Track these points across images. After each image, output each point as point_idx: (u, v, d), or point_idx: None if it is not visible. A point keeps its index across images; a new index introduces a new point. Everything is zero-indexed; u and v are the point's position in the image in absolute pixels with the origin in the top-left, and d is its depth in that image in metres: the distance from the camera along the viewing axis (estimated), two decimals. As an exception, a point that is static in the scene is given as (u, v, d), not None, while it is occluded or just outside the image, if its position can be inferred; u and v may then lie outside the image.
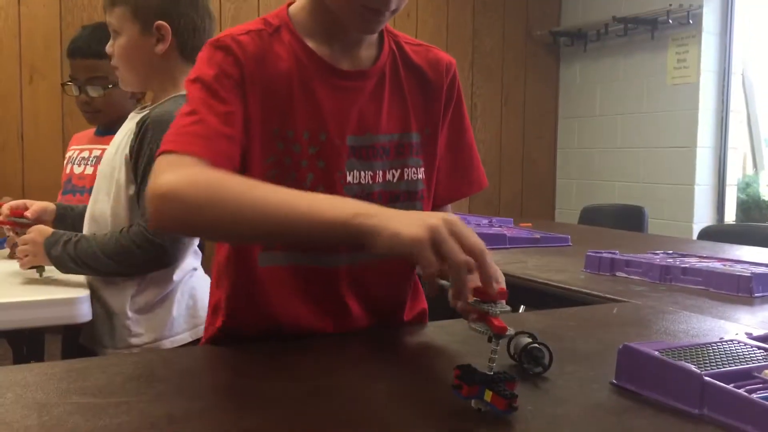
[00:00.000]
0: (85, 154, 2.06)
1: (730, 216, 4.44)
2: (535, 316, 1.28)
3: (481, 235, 2.24)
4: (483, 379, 0.73)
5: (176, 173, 0.89)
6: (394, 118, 1.10)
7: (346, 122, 1.06)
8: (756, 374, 0.80)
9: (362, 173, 1.07)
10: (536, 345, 0.90)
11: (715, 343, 0.90)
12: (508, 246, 2.22)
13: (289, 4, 1.11)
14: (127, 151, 1.48)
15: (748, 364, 0.82)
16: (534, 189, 5.32)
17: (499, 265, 1.84)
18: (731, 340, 0.91)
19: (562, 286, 1.57)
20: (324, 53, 1.06)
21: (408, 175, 1.11)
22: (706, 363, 0.82)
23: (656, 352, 0.83)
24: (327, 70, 1.06)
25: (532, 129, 5.27)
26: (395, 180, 1.10)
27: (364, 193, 1.06)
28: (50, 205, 1.71)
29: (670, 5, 4.21)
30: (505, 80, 5.16)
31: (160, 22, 1.51)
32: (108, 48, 1.58)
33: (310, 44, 1.06)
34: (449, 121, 1.18)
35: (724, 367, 0.80)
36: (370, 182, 1.08)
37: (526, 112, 5.26)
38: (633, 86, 4.67)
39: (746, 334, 0.97)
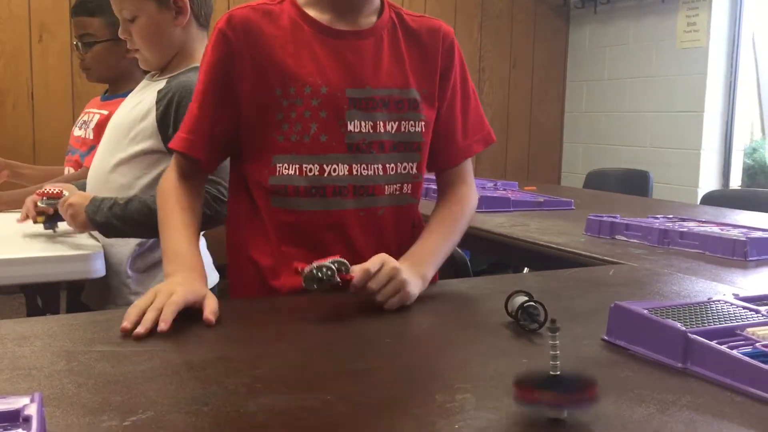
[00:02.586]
0: (86, 117, 2.09)
1: (736, 181, 4.45)
2: (534, 277, 1.32)
3: (486, 198, 2.28)
4: (554, 383, 0.65)
5: (163, 179, 1.20)
6: (392, 75, 1.19)
7: (345, 76, 1.16)
8: (739, 332, 0.85)
9: (363, 123, 1.16)
10: (532, 303, 0.94)
11: (702, 303, 0.95)
12: (511, 209, 2.26)
13: None
14: (154, 121, 1.50)
15: (732, 322, 0.87)
16: (541, 152, 5.34)
17: (502, 227, 1.89)
18: (718, 301, 0.96)
19: (562, 248, 1.61)
20: (323, 19, 1.18)
21: (405, 128, 1.20)
22: (693, 321, 0.86)
23: (645, 311, 0.87)
24: (325, 32, 1.17)
25: (540, 92, 5.27)
26: (395, 131, 1.19)
27: (365, 142, 1.17)
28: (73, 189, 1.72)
29: (682, -32, 4.17)
30: (513, 43, 5.14)
31: None
32: (121, 34, 1.59)
33: (311, 12, 1.18)
34: (455, 86, 1.26)
35: (709, 326, 0.85)
36: (371, 131, 1.17)
37: (534, 76, 5.25)
38: (642, 50, 4.65)
39: (734, 295, 1.01)
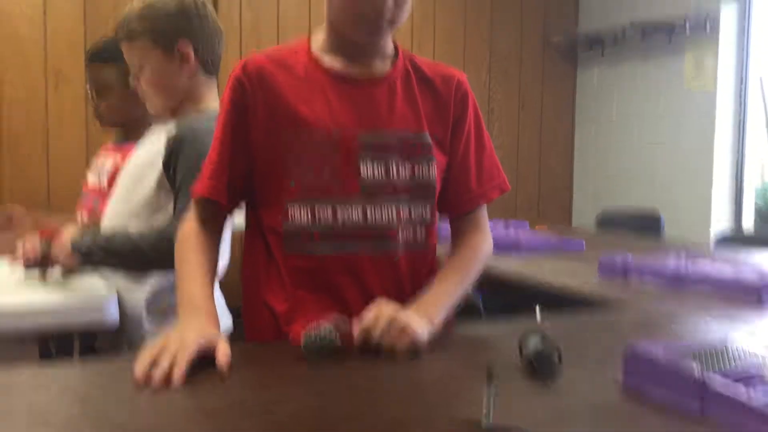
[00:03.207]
0: (100, 161, 2.12)
1: (748, 222, 4.44)
2: (548, 320, 1.32)
3: (497, 238, 2.28)
4: None
5: (182, 226, 1.21)
6: (405, 118, 1.20)
7: (358, 121, 1.17)
8: (757, 377, 0.84)
9: (375, 166, 1.17)
10: (547, 345, 0.94)
11: (719, 345, 0.94)
12: (523, 251, 2.26)
13: (312, 34, 1.25)
14: (160, 166, 1.53)
15: (750, 367, 0.86)
16: (551, 193, 5.34)
17: (514, 268, 1.89)
18: (735, 344, 0.95)
19: (576, 290, 1.61)
20: (337, 66, 1.20)
21: (418, 172, 1.20)
22: (710, 365, 0.86)
23: (660, 353, 0.87)
24: (338, 78, 1.19)
25: (549, 133, 5.30)
26: (408, 175, 1.19)
27: (378, 186, 1.17)
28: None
29: (687, 12, 4.22)
30: (522, 84, 5.19)
31: (181, 42, 1.57)
32: (132, 82, 1.64)
33: (325, 60, 1.20)
34: (469, 134, 1.27)
35: (726, 369, 0.84)
36: (384, 175, 1.17)
37: (543, 116, 5.28)
38: (650, 91, 4.68)
39: (751, 337, 1.01)
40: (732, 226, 4.33)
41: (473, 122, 1.28)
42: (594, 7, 5.11)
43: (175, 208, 1.52)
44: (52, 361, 1.78)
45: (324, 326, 0.98)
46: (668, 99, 4.55)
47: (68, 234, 1.58)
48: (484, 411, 0.66)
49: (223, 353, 0.95)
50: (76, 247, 1.52)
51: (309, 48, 1.22)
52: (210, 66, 1.63)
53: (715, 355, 0.90)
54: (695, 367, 0.82)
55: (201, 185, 1.20)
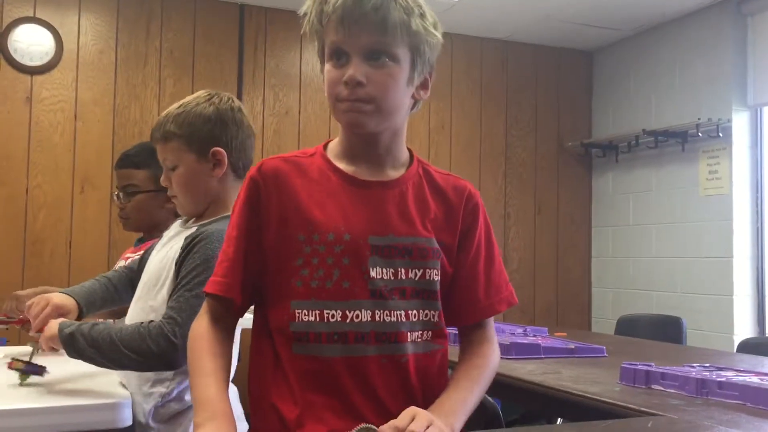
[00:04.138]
0: (121, 262, 2.16)
1: (772, 327, 4.35)
2: (570, 428, 1.28)
3: (516, 345, 2.26)
4: None
5: (194, 325, 1.21)
6: (415, 224, 1.21)
7: (369, 224, 1.18)
8: (789, 491, 0.81)
9: (384, 270, 1.17)
10: (569, 457, 0.91)
11: (748, 458, 0.91)
12: (542, 356, 2.23)
13: (329, 141, 1.28)
14: (174, 263, 1.55)
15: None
16: (569, 298, 5.30)
17: (534, 375, 1.85)
18: (764, 456, 0.92)
19: (597, 398, 1.57)
20: (348, 169, 1.22)
21: (429, 276, 1.20)
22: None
23: (688, 467, 0.84)
24: (352, 182, 1.21)
25: (566, 237, 5.31)
26: (417, 278, 1.19)
27: (387, 288, 1.17)
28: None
29: (699, 119, 4.31)
30: (537, 190, 5.25)
31: (216, 148, 1.61)
32: (162, 182, 1.67)
33: (340, 165, 1.23)
34: (479, 246, 1.27)
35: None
36: (392, 278, 1.17)
37: (560, 221, 5.31)
38: (665, 197, 4.72)
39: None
40: (756, 332, 4.25)
41: (483, 234, 1.29)
42: (607, 115, 5.23)
43: (168, 301, 1.51)
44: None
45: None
46: (684, 204, 4.58)
47: (56, 322, 1.56)
48: None
49: None
50: (61, 328, 1.50)
51: (324, 152, 1.25)
52: (241, 170, 1.66)
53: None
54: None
55: (214, 283, 1.20)
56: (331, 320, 1.14)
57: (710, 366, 1.86)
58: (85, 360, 1.51)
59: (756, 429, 1.29)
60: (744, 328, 4.25)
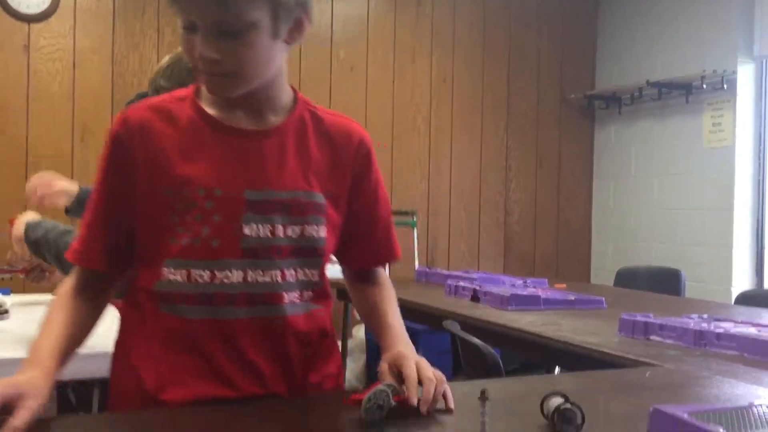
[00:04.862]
0: None
1: (770, 280, 4.38)
2: (569, 378, 1.30)
3: (516, 296, 2.27)
4: None
5: (65, 281, 1.14)
6: (296, 177, 1.13)
7: (244, 178, 1.10)
8: (784, 439, 0.82)
9: (260, 227, 1.10)
10: (568, 405, 0.93)
11: (745, 407, 0.92)
12: (542, 307, 2.25)
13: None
14: None
15: (777, 429, 0.84)
16: (569, 250, 5.32)
17: (533, 325, 1.87)
18: (762, 405, 0.93)
19: (596, 348, 1.59)
20: (222, 116, 1.12)
21: (309, 233, 1.13)
22: (736, 427, 0.84)
23: (686, 415, 0.85)
24: (225, 131, 1.12)
25: (567, 190, 5.30)
26: (296, 236, 1.12)
27: (262, 247, 1.10)
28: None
29: (704, 70, 4.26)
30: (539, 142, 5.22)
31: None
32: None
33: (211, 110, 1.12)
34: (363, 194, 1.22)
35: (752, 431, 0.83)
36: (269, 236, 1.10)
37: (561, 174, 5.30)
38: (668, 149, 4.70)
39: (777, 399, 0.99)
40: (754, 284, 4.28)
41: (376, 182, 1.23)
42: (611, 66, 5.17)
43: None
44: (72, 411, 1.78)
45: (380, 389, 0.97)
46: (687, 156, 4.56)
47: (21, 223, 1.62)
48: (480, 428, 0.75)
49: (20, 416, 0.88)
50: (27, 235, 1.56)
51: (196, 98, 1.14)
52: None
53: (741, 417, 0.88)
54: (721, 428, 0.81)
55: (73, 252, 1.13)
56: (199, 281, 1.08)
57: (708, 317, 1.88)
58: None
59: (753, 379, 1.31)
60: (742, 281, 4.27)
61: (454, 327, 1.82)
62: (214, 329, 1.08)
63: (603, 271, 5.15)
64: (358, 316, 4.35)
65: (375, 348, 4.18)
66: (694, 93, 4.42)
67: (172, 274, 1.08)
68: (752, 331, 1.65)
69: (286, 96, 1.16)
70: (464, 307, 2.27)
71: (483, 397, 0.75)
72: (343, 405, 1.01)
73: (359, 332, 4.36)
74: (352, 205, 1.20)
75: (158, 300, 1.10)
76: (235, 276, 1.08)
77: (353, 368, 4.11)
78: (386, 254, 1.27)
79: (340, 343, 4.34)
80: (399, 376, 1.05)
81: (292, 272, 1.13)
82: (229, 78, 1.06)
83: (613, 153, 5.17)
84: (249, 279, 1.09)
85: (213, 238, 1.08)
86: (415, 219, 4.60)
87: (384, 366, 1.09)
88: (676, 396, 1.15)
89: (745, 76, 4.26)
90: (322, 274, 1.17)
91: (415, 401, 0.99)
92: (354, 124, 1.22)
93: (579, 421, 0.92)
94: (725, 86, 4.23)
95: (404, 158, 4.80)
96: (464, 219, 5.03)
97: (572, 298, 2.34)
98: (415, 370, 1.03)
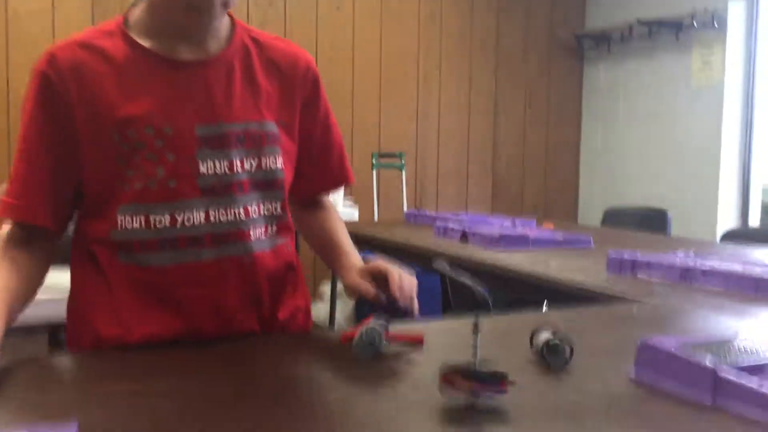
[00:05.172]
0: None
1: (755, 220, 4.43)
2: (557, 314, 1.32)
3: (504, 236, 2.28)
4: (472, 373, 0.76)
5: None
6: (247, 107, 1.09)
7: (193, 113, 1.04)
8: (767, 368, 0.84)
9: (217, 163, 1.05)
10: (557, 340, 0.94)
11: (731, 339, 0.94)
12: (531, 247, 2.26)
13: (127, 13, 1.10)
14: None
15: (762, 359, 0.86)
16: (557, 191, 5.34)
17: (522, 265, 1.89)
18: (747, 338, 0.95)
19: (583, 286, 1.61)
20: (161, 49, 1.05)
21: (266, 164, 1.10)
22: (721, 358, 0.86)
23: (673, 347, 0.87)
24: (164, 64, 1.05)
25: (556, 131, 5.29)
26: (254, 169, 1.09)
27: (222, 184, 1.05)
28: None
29: (695, 8, 4.21)
30: (528, 82, 5.19)
31: None
32: None
33: (147, 43, 1.05)
34: (312, 118, 1.19)
35: (738, 362, 0.84)
36: (227, 172, 1.06)
37: (550, 114, 5.28)
38: (657, 88, 4.68)
39: (760, 330, 1.01)
40: (738, 224, 4.33)
41: (326, 108, 1.21)
42: (600, 5, 5.10)
43: None
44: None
45: (371, 326, 0.98)
46: (675, 96, 4.54)
47: None
48: (472, 356, 0.78)
49: None
50: None
51: (125, 29, 1.06)
52: None
53: (725, 348, 0.90)
54: (707, 359, 0.82)
55: (7, 206, 1.03)
56: (159, 225, 1.03)
57: (694, 255, 1.90)
58: None
59: (737, 313, 1.34)
60: (728, 221, 4.32)
61: (444, 266, 1.83)
62: (179, 274, 1.04)
63: (590, 212, 5.19)
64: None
65: (364, 290, 4.20)
66: (684, 31, 4.38)
67: (129, 222, 1.02)
68: (737, 267, 1.67)
69: (225, 21, 1.11)
70: (453, 247, 2.28)
71: (475, 328, 0.77)
72: (335, 342, 1.02)
73: (349, 274, 4.39)
74: (303, 132, 1.17)
75: (115, 250, 1.04)
76: (197, 217, 1.04)
77: (342, 309, 4.16)
78: (341, 178, 1.26)
79: (329, 286, 4.37)
80: (375, 282, 1.08)
81: (255, 207, 1.10)
82: (224, 6, 1.03)
83: (601, 93, 5.14)
84: (212, 219, 1.05)
85: (169, 179, 1.03)
86: (403, 161, 4.59)
87: (356, 278, 1.10)
88: (662, 330, 1.17)
89: (736, 13, 4.22)
90: (284, 207, 1.14)
91: (400, 299, 1.04)
92: (299, 49, 1.18)
93: (567, 354, 0.93)
94: (716, 24, 4.19)
95: (392, 100, 4.76)
96: (452, 161, 5.02)
97: (560, 237, 2.36)
98: (395, 277, 1.06)
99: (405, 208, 4.26)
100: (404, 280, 1.06)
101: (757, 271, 1.60)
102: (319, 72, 1.20)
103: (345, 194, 4.07)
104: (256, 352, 0.99)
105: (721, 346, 0.91)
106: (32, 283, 1.03)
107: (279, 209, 1.13)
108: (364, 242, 3.04)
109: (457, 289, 1.70)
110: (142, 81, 1.04)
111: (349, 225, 3.58)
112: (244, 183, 1.08)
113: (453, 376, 0.76)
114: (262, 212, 1.10)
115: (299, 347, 1.08)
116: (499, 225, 2.73)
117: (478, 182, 5.10)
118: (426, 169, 4.95)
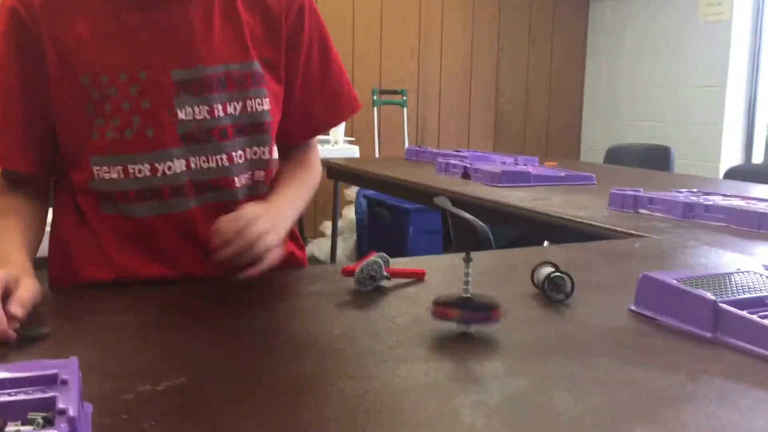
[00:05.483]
0: None
1: (758, 157, 4.40)
2: (559, 249, 1.32)
3: (506, 173, 2.28)
4: (463, 302, 0.77)
5: None
6: (228, 47, 1.03)
7: (169, 56, 0.99)
8: (769, 302, 0.84)
9: (197, 109, 1.00)
10: (558, 274, 0.94)
11: (732, 273, 0.94)
12: (532, 183, 2.25)
13: None
14: None
15: (762, 292, 0.86)
16: (560, 128, 5.29)
17: (524, 201, 1.88)
18: (748, 271, 0.95)
19: (586, 221, 1.60)
20: None
21: (252, 107, 1.04)
22: (722, 291, 0.85)
23: (674, 281, 0.87)
24: (140, 4, 0.99)
25: (560, 69, 5.22)
26: (238, 113, 1.03)
27: (202, 130, 1.01)
28: None
29: (705, -61, 4.09)
30: (532, 21, 5.08)
31: None
32: None
33: None
34: (310, 53, 1.12)
35: (739, 296, 0.84)
36: (208, 117, 1.01)
37: (554, 53, 5.19)
38: (664, 24, 4.58)
39: (764, 266, 1.00)
40: (742, 161, 4.31)
41: (315, 39, 1.12)
42: (608, -64, 4.96)
43: None
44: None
45: (372, 260, 0.97)
46: (682, 31, 4.46)
47: None
48: (464, 286, 0.77)
49: (17, 300, 0.76)
50: None
51: None
52: None
53: (726, 282, 0.89)
54: (708, 293, 0.82)
55: None
56: (139, 175, 0.99)
57: (697, 191, 1.89)
58: None
59: (740, 248, 1.33)
60: (731, 157, 4.29)
61: (445, 202, 1.83)
62: (165, 224, 1.01)
63: (593, 151, 5.16)
64: (348, 196, 4.39)
65: (365, 228, 4.23)
66: (693, -37, 4.27)
67: (106, 172, 0.99)
68: (741, 203, 1.66)
69: None
70: (455, 184, 2.27)
71: (467, 257, 0.78)
72: (336, 277, 1.02)
73: (349, 212, 4.40)
74: (288, 69, 1.10)
75: (97, 199, 1.01)
76: (178, 165, 1.00)
77: (344, 248, 4.18)
78: (322, 123, 1.17)
79: (330, 223, 4.38)
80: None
81: (240, 153, 1.05)
82: None
83: (607, 29, 5.05)
84: (193, 166, 1.01)
85: (147, 127, 0.98)
86: (405, 98, 4.54)
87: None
88: (664, 264, 1.17)
89: (747, -56, 4.10)
90: (271, 151, 1.09)
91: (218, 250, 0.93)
92: None
93: (569, 288, 0.93)
94: (726, -44, 4.08)
95: (393, 36, 4.67)
96: (454, 99, 4.97)
97: (563, 174, 2.34)
98: (234, 221, 0.93)
99: (407, 144, 4.24)
100: (250, 227, 0.93)
101: (761, 206, 1.59)
102: (316, 4, 1.14)
103: (346, 132, 4.04)
104: (254, 287, 0.99)
105: (723, 280, 0.90)
106: (32, 229, 0.99)
107: (267, 154, 1.08)
108: (366, 180, 3.03)
109: (459, 226, 1.70)
110: (115, 21, 0.98)
111: (350, 162, 3.58)
112: (228, 128, 1.03)
113: (445, 305, 0.77)
114: (248, 158, 1.06)
115: (300, 282, 1.08)
116: (501, 162, 2.71)
117: (481, 121, 5.05)
118: (428, 106, 4.90)
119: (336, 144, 3.86)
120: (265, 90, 1.06)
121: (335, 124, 1.19)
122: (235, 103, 1.03)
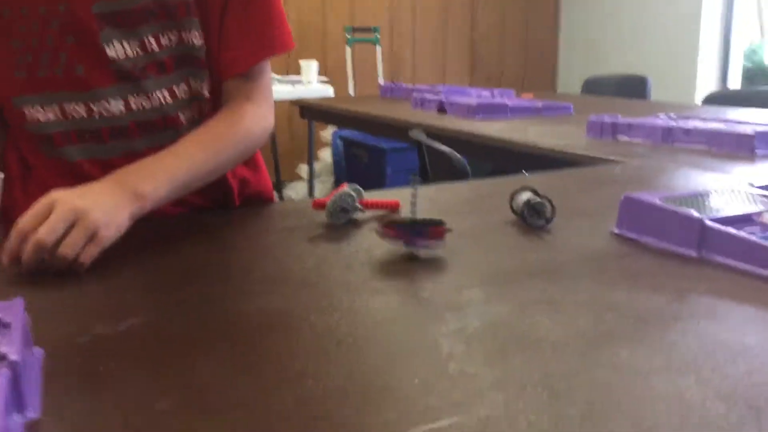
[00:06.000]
0: None
1: (735, 84, 4.38)
2: (538, 177, 1.28)
3: (483, 105, 2.23)
4: (410, 224, 0.77)
5: None
6: None
7: None
8: (755, 219, 0.81)
9: (126, 44, 0.92)
10: (538, 199, 0.91)
11: (715, 191, 0.91)
12: (509, 115, 2.21)
13: None
14: None
15: (747, 210, 0.83)
16: (536, 64, 5.22)
17: (501, 132, 1.84)
18: (732, 189, 0.92)
19: (564, 150, 1.57)
20: None
21: (188, 39, 0.96)
22: (707, 210, 0.83)
23: (657, 200, 0.84)
24: None
25: (535, 1, 5.11)
26: (174, 45, 0.95)
27: (137, 67, 0.93)
28: None
29: None
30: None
31: None
32: None
33: None
34: None
35: (724, 213, 0.81)
36: (140, 53, 0.93)
37: (528, -18, 5.08)
38: (639, -50, 4.49)
39: (750, 183, 0.98)
40: (719, 88, 4.29)
41: None
42: None
43: None
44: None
45: (344, 191, 0.93)
46: (658, -43, 4.37)
47: None
48: (410, 208, 0.78)
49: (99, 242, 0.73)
50: None
51: None
52: None
53: (710, 200, 0.87)
54: (692, 211, 0.79)
55: None
56: (76, 117, 0.93)
57: (676, 116, 1.86)
58: None
59: (720, 169, 1.31)
60: (707, 85, 4.27)
61: (420, 135, 1.78)
62: (115, 167, 0.86)
63: (570, 83, 5.10)
64: (323, 138, 4.32)
65: (342, 170, 4.17)
66: None
67: (40, 113, 0.93)
68: (720, 126, 1.63)
69: None
70: (431, 118, 2.22)
71: (414, 181, 0.78)
72: (306, 211, 0.98)
73: (326, 155, 4.34)
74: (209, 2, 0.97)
75: (39, 144, 0.94)
76: (115, 106, 0.93)
77: (321, 190, 4.13)
78: (267, 48, 1.01)
79: (306, 166, 4.32)
80: None
81: (184, 87, 0.97)
82: None
83: (582, -43, 4.94)
84: (133, 107, 0.94)
85: (75, 65, 0.91)
86: (377, 35, 4.43)
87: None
88: (645, 187, 1.14)
89: None
90: (213, 90, 1.01)
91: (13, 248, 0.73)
92: None
93: (549, 213, 0.90)
94: None
95: (363, -30, 4.54)
96: (429, 35, 4.87)
97: (540, 105, 2.30)
98: (43, 211, 0.74)
99: (381, 82, 4.15)
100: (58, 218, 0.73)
101: (739, 128, 1.56)
102: None
103: (319, 72, 3.94)
104: (224, 223, 0.95)
105: (705, 198, 0.88)
106: None
107: (206, 89, 0.99)
108: (340, 118, 2.96)
109: (435, 159, 1.66)
110: None
111: (325, 101, 3.51)
112: (165, 62, 0.95)
113: (389, 226, 0.77)
114: (191, 94, 0.98)
115: (269, 217, 1.04)
116: (477, 95, 2.66)
117: (456, 56, 4.97)
118: (402, 44, 4.80)
119: (309, 84, 3.77)
120: (197, 21, 0.96)
121: (256, 60, 1.01)
122: (170, 35, 0.95)
